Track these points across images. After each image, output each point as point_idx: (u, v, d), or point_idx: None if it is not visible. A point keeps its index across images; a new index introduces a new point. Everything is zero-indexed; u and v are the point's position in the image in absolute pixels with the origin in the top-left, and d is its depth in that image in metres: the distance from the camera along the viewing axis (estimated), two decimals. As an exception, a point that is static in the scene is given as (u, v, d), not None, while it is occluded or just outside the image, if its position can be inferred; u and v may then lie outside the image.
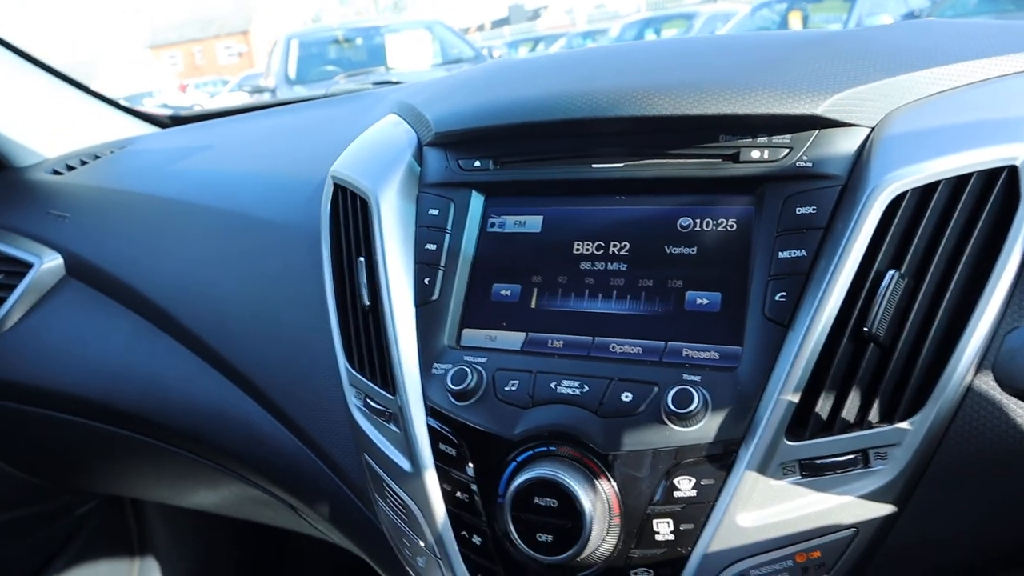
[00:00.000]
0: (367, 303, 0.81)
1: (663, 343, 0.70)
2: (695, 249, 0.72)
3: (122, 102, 1.58)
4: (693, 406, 0.64)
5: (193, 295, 1.08)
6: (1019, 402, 0.60)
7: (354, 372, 0.83)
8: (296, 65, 7.79)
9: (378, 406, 0.80)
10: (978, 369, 0.61)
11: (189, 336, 1.07)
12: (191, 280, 1.09)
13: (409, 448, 0.76)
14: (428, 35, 8.20)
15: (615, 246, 0.75)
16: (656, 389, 0.67)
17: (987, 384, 0.61)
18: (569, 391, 0.70)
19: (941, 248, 0.62)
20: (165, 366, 1.11)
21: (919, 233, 0.63)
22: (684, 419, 0.64)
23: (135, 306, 1.15)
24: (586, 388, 0.69)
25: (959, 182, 0.63)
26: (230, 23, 43.53)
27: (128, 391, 1.14)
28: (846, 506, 0.63)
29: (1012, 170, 0.62)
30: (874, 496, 0.62)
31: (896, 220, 0.63)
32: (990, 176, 0.63)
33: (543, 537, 0.66)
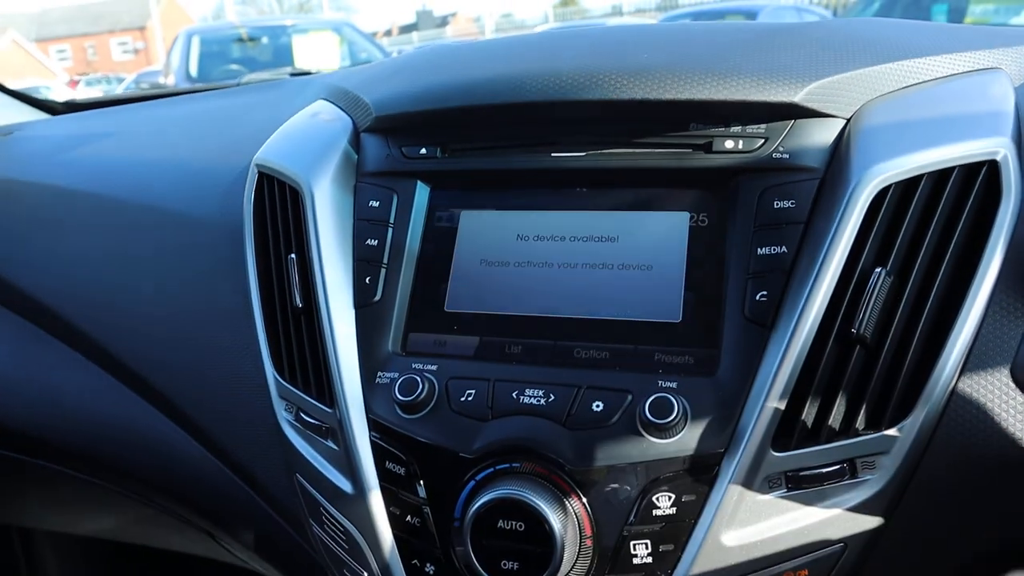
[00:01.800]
0: (300, 304, 0.73)
1: (632, 346, 0.65)
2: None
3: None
4: (673, 416, 0.58)
5: (92, 297, 0.96)
6: (1005, 401, 0.58)
7: (284, 383, 0.74)
8: (198, 63, 7.47)
9: (313, 420, 0.72)
10: (963, 369, 0.58)
11: (87, 343, 0.95)
12: (89, 280, 0.97)
13: (350, 467, 0.68)
14: (336, 37, 8.02)
15: (576, 242, 0.69)
16: (630, 397, 0.61)
17: (972, 385, 0.58)
18: (533, 401, 0.63)
19: (925, 245, 0.59)
20: (58, 378, 0.99)
21: (903, 229, 0.59)
22: (662, 430, 0.59)
23: (20, 309, 1.02)
24: (552, 397, 0.63)
25: (941, 176, 0.60)
26: (125, 18, 41.60)
27: (14, 406, 1.01)
28: (834, 520, 0.58)
29: (993, 164, 0.60)
30: (862, 508, 0.58)
31: (880, 215, 0.60)
32: (970, 171, 0.60)
33: (508, 564, 0.60)
